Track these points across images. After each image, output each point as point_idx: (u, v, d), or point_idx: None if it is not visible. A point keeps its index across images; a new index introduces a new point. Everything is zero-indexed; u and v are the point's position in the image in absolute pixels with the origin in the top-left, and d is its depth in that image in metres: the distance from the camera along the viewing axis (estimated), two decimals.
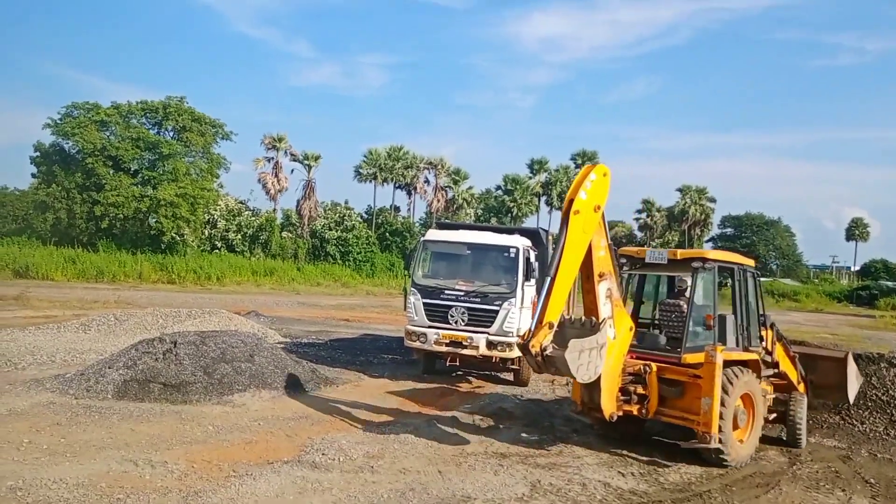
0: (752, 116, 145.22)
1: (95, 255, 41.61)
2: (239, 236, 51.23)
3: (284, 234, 55.58)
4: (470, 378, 14.77)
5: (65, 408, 9.77)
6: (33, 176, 49.12)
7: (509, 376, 14.60)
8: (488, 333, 13.14)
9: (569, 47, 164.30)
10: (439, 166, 66.58)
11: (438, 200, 65.87)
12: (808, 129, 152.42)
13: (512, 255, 13.48)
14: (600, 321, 8.60)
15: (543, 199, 70.31)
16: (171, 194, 44.74)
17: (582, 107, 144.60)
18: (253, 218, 53.41)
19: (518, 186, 68.07)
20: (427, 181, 67.33)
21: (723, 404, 8.77)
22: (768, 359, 10.21)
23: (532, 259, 13.53)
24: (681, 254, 9.73)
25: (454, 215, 63.69)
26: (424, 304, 13.67)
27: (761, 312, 10.24)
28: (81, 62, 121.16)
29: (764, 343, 10.18)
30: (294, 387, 11.98)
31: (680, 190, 74.56)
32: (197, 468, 7.59)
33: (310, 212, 57.64)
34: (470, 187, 67.90)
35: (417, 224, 63.77)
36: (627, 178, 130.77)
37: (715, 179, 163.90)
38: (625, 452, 9.44)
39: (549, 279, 8.29)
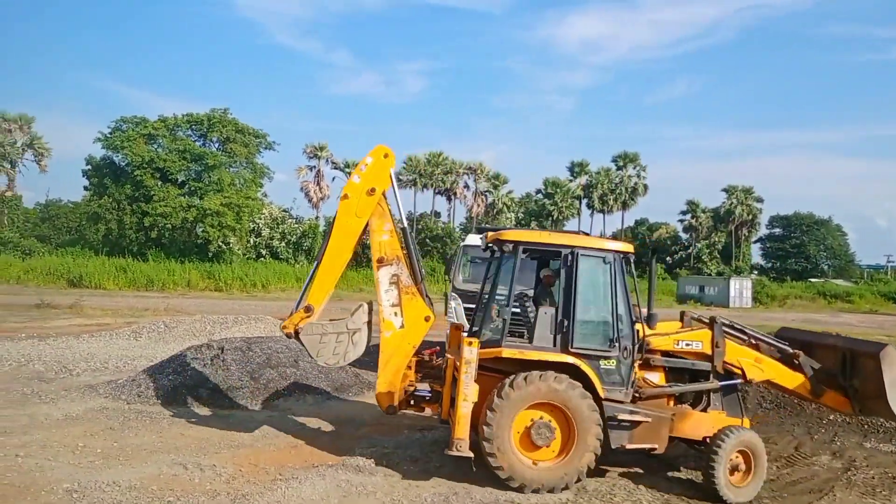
0: (799, 113, 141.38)
1: (145, 265, 42.81)
2: (283, 244, 52.10)
3: None
4: None
5: (117, 413, 10.07)
6: (86, 188, 51.15)
7: None
8: None
9: (608, 48, 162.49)
10: (479, 171, 66.74)
11: (478, 205, 66.00)
12: (859, 125, 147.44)
13: None
14: (356, 307, 8.53)
15: (584, 201, 69.83)
16: (217, 204, 45.83)
17: (622, 107, 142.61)
18: (296, 226, 54.28)
19: (558, 190, 67.76)
20: (466, 186, 67.64)
21: (492, 408, 7.43)
22: (683, 363, 8.38)
23: None
24: (489, 237, 8.70)
25: (494, 220, 63.66)
26: (465, 308, 13.65)
27: (651, 311, 8.08)
28: (129, 77, 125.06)
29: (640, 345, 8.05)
30: (338, 391, 12.12)
31: (725, 190, 73.25)
32: (244, 471, 7.74)
33: None
34: (510, 191, 68.04)
35: (458, 229, 63.92)
36: (670, 179, 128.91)
37: (762, 178, 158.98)
38: (672, 457, 9.26)
39: (315, 264, 8.49)
